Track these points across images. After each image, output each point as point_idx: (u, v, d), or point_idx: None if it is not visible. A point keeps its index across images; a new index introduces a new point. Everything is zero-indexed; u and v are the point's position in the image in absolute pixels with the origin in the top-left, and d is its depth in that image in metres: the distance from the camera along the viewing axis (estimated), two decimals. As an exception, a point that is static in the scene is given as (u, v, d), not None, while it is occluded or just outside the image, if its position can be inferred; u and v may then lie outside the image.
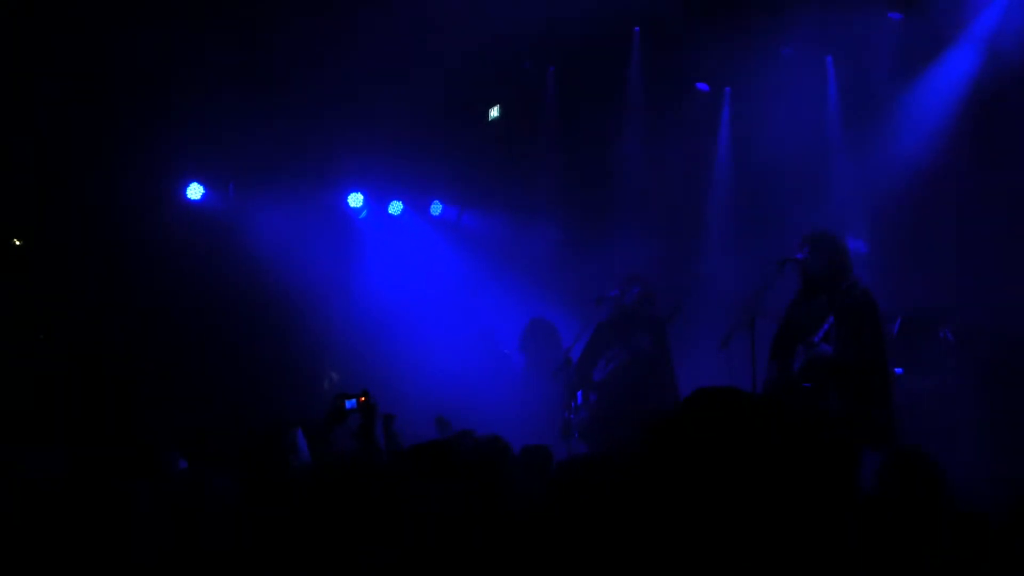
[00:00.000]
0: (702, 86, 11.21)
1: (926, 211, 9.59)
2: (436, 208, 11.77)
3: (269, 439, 4.62)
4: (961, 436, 7.90)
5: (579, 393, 8.31)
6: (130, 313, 10.08)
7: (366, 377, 9.62)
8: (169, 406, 9.23)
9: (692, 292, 9.66)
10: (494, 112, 11.61)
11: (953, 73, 9.77)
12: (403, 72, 10.18)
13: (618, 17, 10.20)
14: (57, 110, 9.39)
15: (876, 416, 6.41)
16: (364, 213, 11.45)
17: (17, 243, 10.15)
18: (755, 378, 6.83)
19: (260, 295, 10.55)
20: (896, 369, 7.56)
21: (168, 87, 9.66)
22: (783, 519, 1.73)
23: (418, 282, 11.42)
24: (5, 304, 9.76)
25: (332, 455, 4.94)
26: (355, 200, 11.28)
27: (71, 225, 9.96)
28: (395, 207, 11.56)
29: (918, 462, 3.78)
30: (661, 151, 11.04)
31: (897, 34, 9.83)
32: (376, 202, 11.47)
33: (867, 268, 7.48)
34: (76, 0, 9.16)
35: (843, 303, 6.56)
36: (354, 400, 5.37)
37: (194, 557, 3.13)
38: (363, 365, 10.20)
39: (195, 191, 10.68)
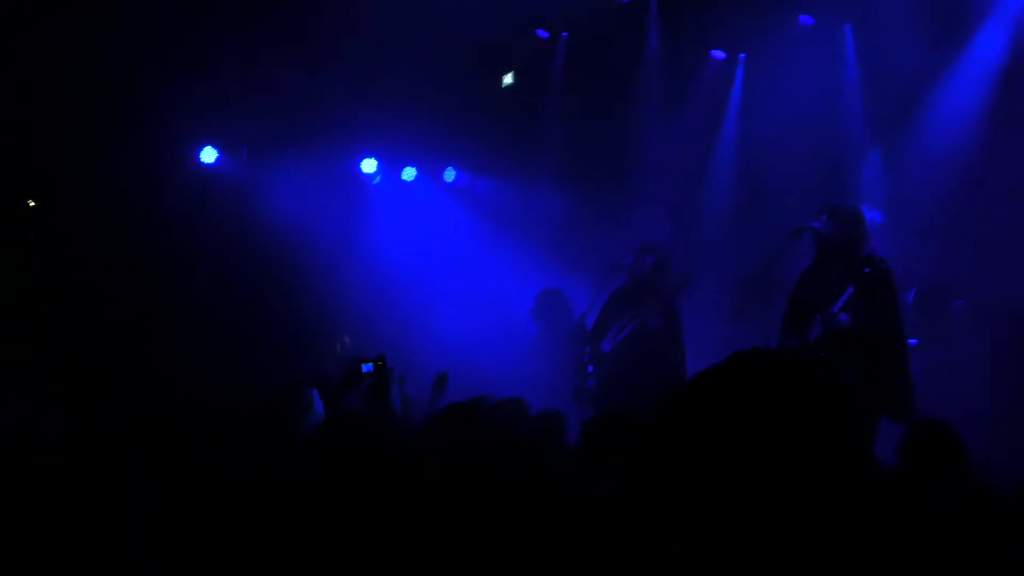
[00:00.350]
0: (717, 54, 11.12)
1: (943, 183, 9.51)
2: (450, 174, 11.74)
3: (284, 399, 4.62)
4: (975, 407, 7.87)
5: (589, 361, 8.30)
6: (143, 277, 10.10)
7: (378, 342, 9.66)
8: (181, 370, 9.27)
9: (703, 262, 9.62)
10: (508, 79, 11.56)
11: (979, 48, 9.66)
12: (417, 37, 10.12)
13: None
14: (69, 72, 9.35)
15: (895, 387, 6.39)
16: (378, 179, 11.43)
17: (32, 204, 10.17)
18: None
19: (273, 259, 10.56)
20: (911, 340, 7.53)
21: (181, 50, 9.61)
22: (816, 487, 1.71)
23: (431, 248, 11.41)
24: (19, 266, 9.78)
25: (347, 413, 4.94)
26: (369, 166, 11.26)
27: (84, 188, 9.97)
28: (408, 173, 11.53)
29: (942, 434, 3.76)
30: (676, 119, 10.97)
31: (920, 3, 9.70)
32: (390, 168, 11.45)
33: (883, 239, 7.41)
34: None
35: (862, 273, 6.52)
36: (371, 364, 5.36)
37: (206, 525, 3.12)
38: (375, 330, 10.21)
39: (209, 155, 10.67)
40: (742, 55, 11.01)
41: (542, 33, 11.24)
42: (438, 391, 6.65)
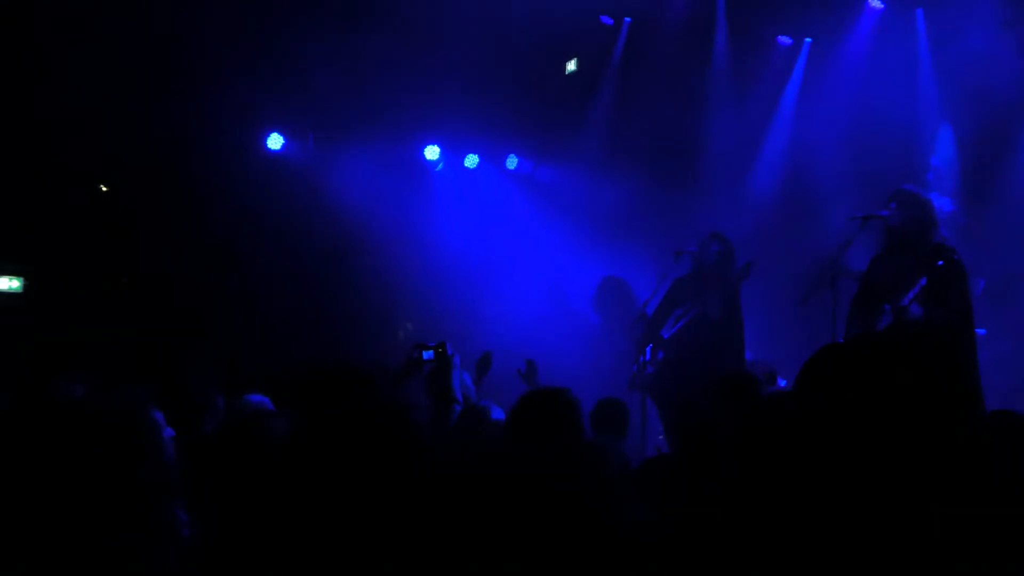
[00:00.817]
0: (784, 40, 10.99)
1: (1015, 170, 9.33)
2: (512, 162, 11.75)
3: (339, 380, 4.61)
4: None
5: (648, 348, 8.24)
6: (209, 262, 10.26)
7: (440, 329, 9.71)
8: (245, 354, 9.40)
9: (766, 251, 9.51)
10: (571, 66, 11.52)
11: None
12: (480, 24, 10.13)
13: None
14: (139, 57, 9.50)
15: (964, 379, 6.27)
16: (440, 166, 11.48)
17: (104, 189, 10.37)
18: (835, 338, 6.73)
19: (337, 245, 10.67)
20: (979, 331, 7.39)
21: (248, 37, 9.72)
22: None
23: (493, 235, 11.43)
24: (90, 249, 9.98)
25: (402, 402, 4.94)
26: (432, 153, 11.31)
27: (154, 174, 10.14)
28: (471, 160, 11.56)
29: (1015, 425, 3.69)
30: (741, 106, 10.86)
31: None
32: (453, 155, 11.49)
33: (952, 227, 7.29)
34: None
35: (934, 265, 6.40)
36: (431, 351, 5.32)
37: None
38: (437, 317, 10.27)
39: (275, 141, 10.79)
40: (808, 40, 10.87)
41: (606, 20, 11.19)
42: (482, 372, 6.64)
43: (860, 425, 1.80)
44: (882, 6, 10.22)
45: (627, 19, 11.20)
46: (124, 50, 9.48)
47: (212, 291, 10.29)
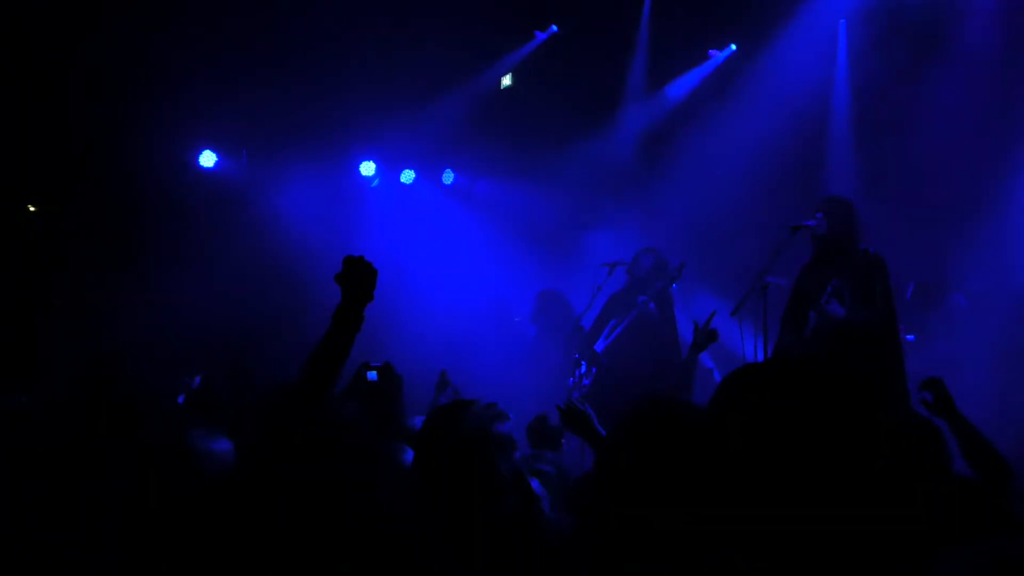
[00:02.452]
0: (713, 51, 11.15)
1: (939, 177, 9.51)
2: (448, 177, 11.75)
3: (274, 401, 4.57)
4: (974, 402, 7.85)
5: (584, 362, 8.29)
6: (142, 281, 10.12)
7: (377, 345, 9.65)
8: (178, 374, 9.27)
9: (699, 261, 9.60)
10: (506, 80, 11.56)
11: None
12: (415, 39, 10.14)
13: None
14: (69, 74, 9.38)
15: (890, 381, 6.37)
16: (376, 181, 11.44)
17: (32, 209, 10.19)
18: (766, 345, 6.81)
19: (272, 263, 10.58)
20: (908, 336, 7.52)
21: (178, 55, 9.63)
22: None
23: (430, 251, 11.41)
24: (17, 269, 9.80)
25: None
26: (367, 168, 11.27)
27: (84, 191, 9.99)
28: (407, 176, 11.54)
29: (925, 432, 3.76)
30: (672, 116, 10.98)
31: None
32: (388, 170, 11.46)
33: (879, 234, 7.40)
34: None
35: (852, 266, 6.52)
36: (374, 372, 5.27)
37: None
38: (375, 333, 10.18)
39: (208, 158, 10.69)
40: (732, 47, 11.04)
41: (539, 34, 11.26)
42: (440, 391, 6.64)
43: (766, 440, 1.82)
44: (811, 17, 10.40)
45: (553, 28, 11.24)
46: (53, 68, 9.35)
47: (145, 311, 10.13)
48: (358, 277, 3.44)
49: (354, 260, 3.44)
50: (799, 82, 10.11)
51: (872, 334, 6.44)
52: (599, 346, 8.28)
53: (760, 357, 6.91)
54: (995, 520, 3.35)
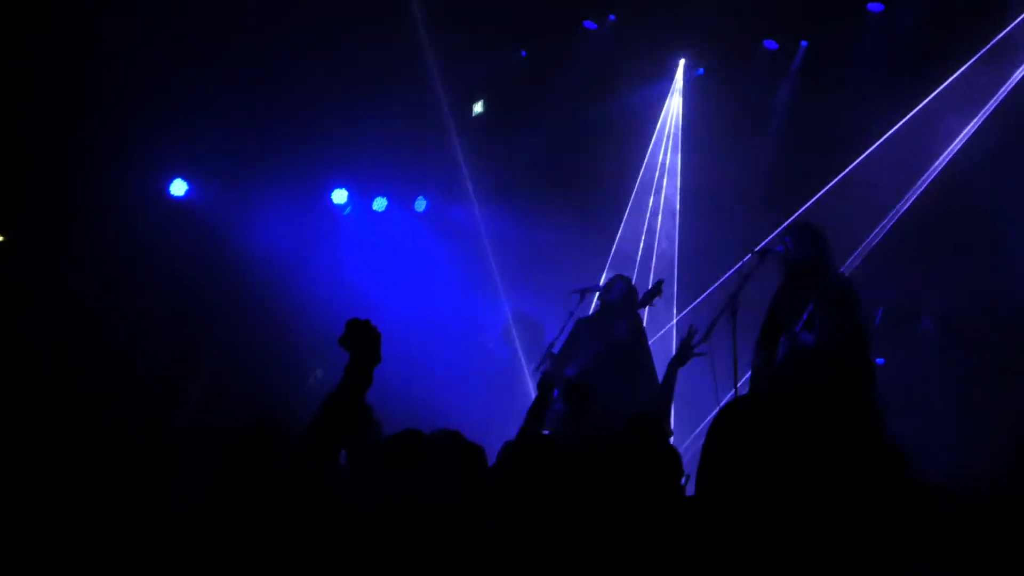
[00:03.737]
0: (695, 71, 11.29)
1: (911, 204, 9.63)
2: (420, 204, 11.77)
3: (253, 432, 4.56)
4: (942, 425, 7.94)
5: (555, 389, 8.29)
6: (111, 308, 10.04)
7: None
8: (150, 403, 9.20)
9: (669, 285, 9.68)
10: (478, 107, 11.62)
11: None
12: (386, 67, 10.18)
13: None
14: (37, 102, 9.34)
15: (863, 405, 6.42)
16: (348, 209, 11.44)
17: (0, 239, 10.11)
18: (736, 371, 6.85)
19: (244, 291, 10.53)
20: (878, 360, 7.58)
21: (151, 81, 9.62)
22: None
23: (403, 277, 11.41)
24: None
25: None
26: (339, 196, 11.27)
27: (53, 220, 9.92)
28: (379, 203, 11.55)
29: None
30: (647, 140, 11.08)
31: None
32: (361, 198, 11.46)
33: (848, 259, 7.50)
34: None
35: (823, 293, 6.58)
36: None
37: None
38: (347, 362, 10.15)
39: (179, 187, 10.65)
40: (699, 71, 11.16)
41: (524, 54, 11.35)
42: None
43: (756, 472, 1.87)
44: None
45: (523, 52, 11.32)
46: (21, 93, 9.30)
47: (117, 341, 10.06)
48: (365, 340, 3.50)
49: (359, 324, 3.49)
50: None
51: (843, 361, 6.49)
52: (571, 371, 8.30)
53: (732, 380, 6.95)
54: (964, 534, 3.40)
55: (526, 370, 9.19)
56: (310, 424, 3.50)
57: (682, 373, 6.98)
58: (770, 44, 10.62)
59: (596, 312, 8.42)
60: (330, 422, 3.47)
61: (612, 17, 10.95)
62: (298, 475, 3.40)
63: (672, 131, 11.23)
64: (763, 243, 7.21)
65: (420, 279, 11.47)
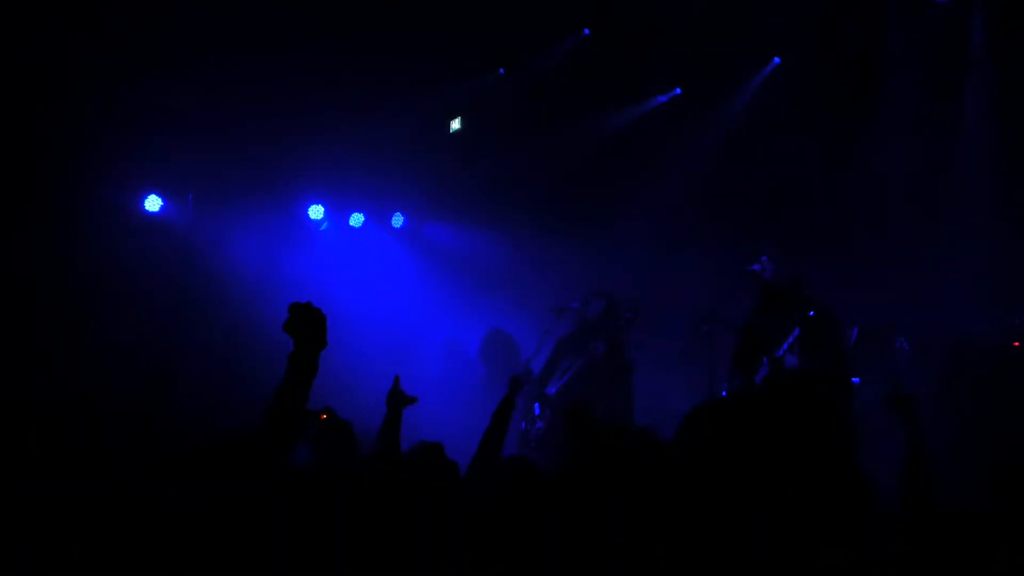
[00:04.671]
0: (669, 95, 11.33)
1: (880, 220, 9.70)
2: (398, 220, 11.75)
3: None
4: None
5: (536, 405, 8.31)
6: (85, 330, 9.95)
7: (328, 388, 9.56)
8: (125, 422, 9.11)
9: (652, 302, 9.67)
10: (455, 124, 11.62)
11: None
12: (364, 84, 10.17)
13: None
14: (12, 118, 9.26)
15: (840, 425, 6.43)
16: (324, 225, 11.41)
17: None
18: (714, 390, 6.87)
19: (219, 307, 10.47)
20: (853, 379, 7.60)
21: (125, 95, 9.56)
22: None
23: (379, 294, 11.38)
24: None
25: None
26: (316, 212, 11.24)
27: (26, 236, 9.83)
28: (356, 219, 11.52)
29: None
30: (625, 160, 11.11)
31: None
32: (337, 214, 11.43)
33: (822, 278, 7.52)
34: (37, 4, 9.06)
35: (806, 316, 6.60)
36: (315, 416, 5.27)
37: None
38: (325, 376, 10.11)
39: (153, 203, 10.58)
40: (677, 90, 11.20)
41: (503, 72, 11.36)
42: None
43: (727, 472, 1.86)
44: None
45: (500, 71, 11.33)
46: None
47: (89, 359, 9.96)
48: (308, 324, 3.37)
49: (301, 307, 3.41)
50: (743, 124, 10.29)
51: (823, 383, 6.51)
52: (551, 388, 8.30)
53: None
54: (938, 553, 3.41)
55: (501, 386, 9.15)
56: (263, 418, 3.44)
57: (658, 391, 6.99)
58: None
59: (575, 330, 8.43)
60: (279, 414, 3.38)
61: (587, 31, 10.96)
62: (247, 467, 3.36)
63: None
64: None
65: (396, 295, 11.45)
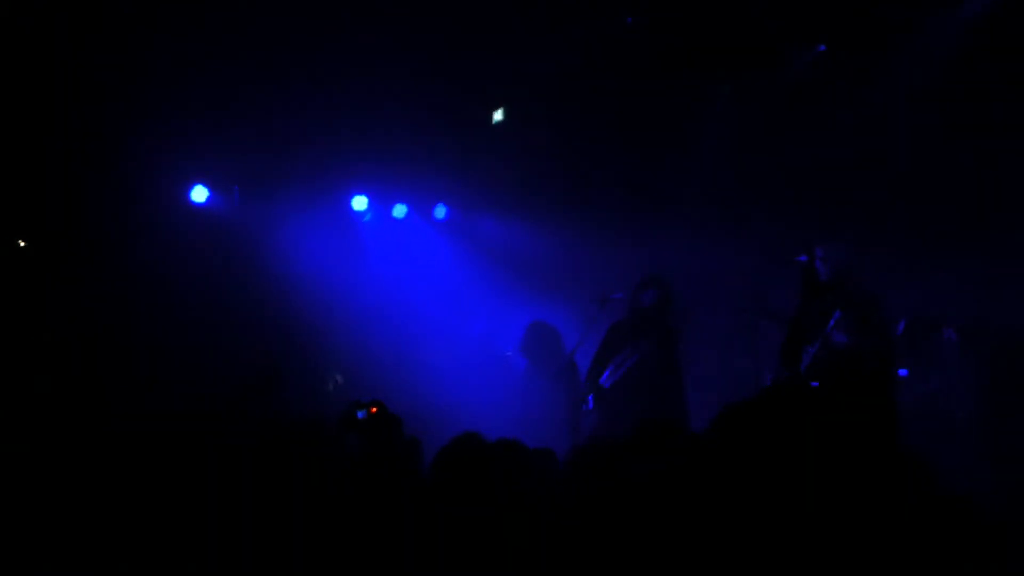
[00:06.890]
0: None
1: (928, 210, 9.57)
2: (440, 211, 11.77)
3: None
4: (966, 437, 7.87)
5: (590, 396, 8.25)
6: (132, 318, 10.08)
7: (369, 379, 9.65)
8: (172, 408, 9.21)
9: (699, 297, 9.59)
10: (498, 115, 11.60)
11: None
12: (409, 75, 10.18)
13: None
14: (58, 109, 9.38)
15: (882, 414, 6.39)
16: (368, 216, 11.46)
17: (22, 244, 10.16)
18: (759, 380, 6.83)
19: (265, 298, 10.56)
20: (901, 371, 7.54)
21: (172, 88, 9.65)
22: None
23: (421, 284, 11.42)
24: (9, 307, 9.75)
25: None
26: (359, 203, 11.29)
27: (75, 227, 9.97)
28: (399, 210, 11.56)
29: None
30: (675, 151, 11.04)
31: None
32: (380, 205, 11.48)
33: (871, 271, 7.43)
34: (86, 2, 9.16)
35: (852, 300, 6.57)
36: (364, 411, 5.32)
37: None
38: (367, 368, 10.20)
39: (200, 194, 10.69)
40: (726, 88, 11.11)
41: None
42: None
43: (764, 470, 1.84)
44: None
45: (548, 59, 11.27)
46: (42, 101, 9.35)
47: (136, 348, 10.09)
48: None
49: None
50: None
51: (869, 369, 6.46)
52: (604, 380, 8.23)
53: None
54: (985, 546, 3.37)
55: (543, 378, 9.11)
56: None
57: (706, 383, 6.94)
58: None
59: (627, 318, 8.32)
60: None
61: (629, 20, 10.85)
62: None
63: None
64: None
65: (438, 285, 11.48)
